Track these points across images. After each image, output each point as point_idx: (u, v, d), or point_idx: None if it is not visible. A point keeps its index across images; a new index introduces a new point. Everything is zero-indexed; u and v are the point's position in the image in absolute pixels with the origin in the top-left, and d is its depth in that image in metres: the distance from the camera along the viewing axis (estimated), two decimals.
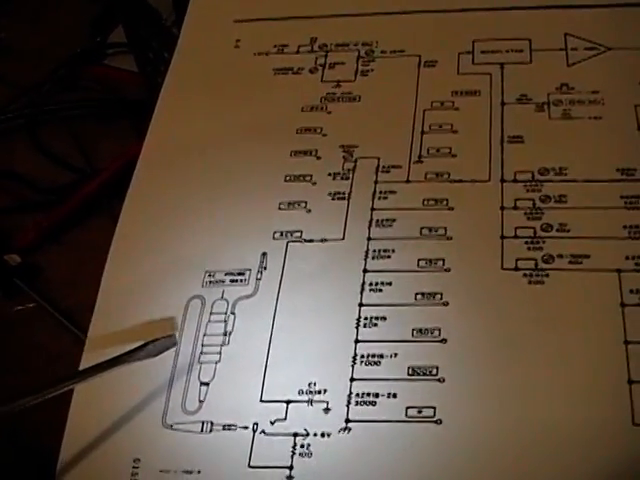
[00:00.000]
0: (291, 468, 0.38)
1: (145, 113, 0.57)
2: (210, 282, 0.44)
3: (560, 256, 0.41)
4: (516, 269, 0.41)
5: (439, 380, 0.39)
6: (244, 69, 0.52)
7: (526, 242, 0.42)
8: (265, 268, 0.44)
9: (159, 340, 0.42)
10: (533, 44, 0.50)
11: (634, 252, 0.41)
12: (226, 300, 0.43)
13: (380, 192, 0.45)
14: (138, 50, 0.62)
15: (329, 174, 0.46)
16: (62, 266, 0.55)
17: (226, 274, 0.44)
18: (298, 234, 0.44)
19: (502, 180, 0.44)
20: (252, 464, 0.39)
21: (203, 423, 0.40)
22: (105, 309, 0.44)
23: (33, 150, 0.62)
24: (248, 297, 0.43)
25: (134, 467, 0.40)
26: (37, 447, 0.45)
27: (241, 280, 0.43)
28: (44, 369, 0.49)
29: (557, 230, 0.42)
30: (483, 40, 0.51)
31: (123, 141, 0.60)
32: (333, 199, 0.45)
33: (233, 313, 0.43)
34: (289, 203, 0.46)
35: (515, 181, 0.44)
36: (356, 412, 0.39)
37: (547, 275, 0.41)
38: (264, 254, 0.44)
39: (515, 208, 0.43)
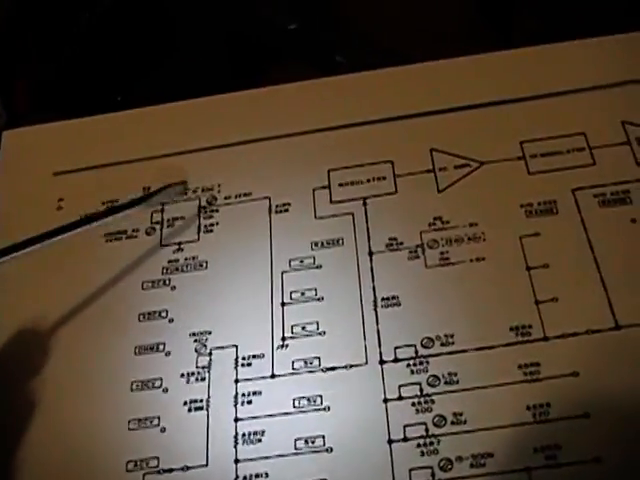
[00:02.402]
0: None
1: None
2: None
3: (459, 459, 0.35)
4: None
5: None
6: (71, 237, 0.43)
7: (418, 445, 0.36)
8: None
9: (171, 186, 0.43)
10: (396, 168, 0.42)
11: (542, 442, 0.35)
12: None
13: (243, 395, 0.38)
14: None
15: (182, 375, 0.39)
16: None
17: None
18: (155, 462, 0.37)
19: (381, 361, 0.38)
20: None
21: None
22: None
23: None
24: None
25: None
26: None
27: None
28: None
29: (452, 422, 0.36)
30: (339, 169, 0.43)
31: None
32: (190, 410, 0.38)
33: None
34: (139, 420, 0.38)
35: (396, 360, 0.37)
36: None
37: None
38: None
39: (400, 398, 0.37)
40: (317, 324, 0.39)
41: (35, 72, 0.58)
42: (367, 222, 0.41)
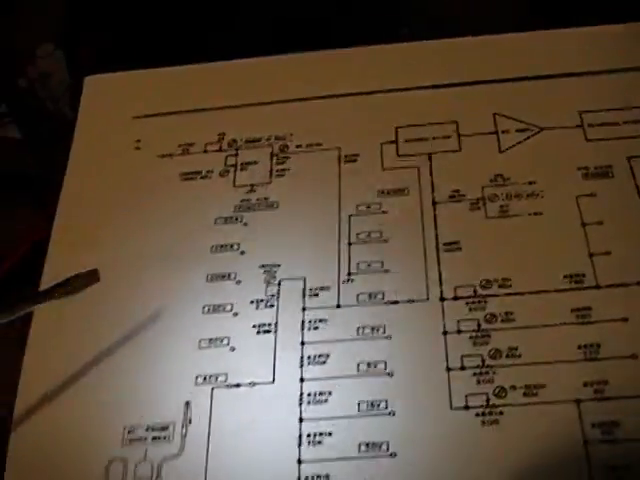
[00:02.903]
0: None
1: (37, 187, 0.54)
2: (131, 440, 0.39)
3: (513, 387, 0.37)
4: (466, 407, 0.37)
5: None
6: (148, 175, 0.47)
7: (475, 374, 0.38)
8: (190, 421, 0.39)
9: (81, 275, 0.39)
10: (461, 128, 0.45)
11: (592, 377, 0.37)
12: (150, 462, 0.38)
13: (309, 321, 0.40)
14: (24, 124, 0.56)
15: (251, 302, 0.42)
16: None
17: (147, 429, 0.39)
18: (223, 378, 0.40)
19: (442, 298, 0.40)
20: None
21: None
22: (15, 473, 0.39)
23: None
24: (174, 457, 0.38)
25: None
26: None
27: (165, 437, 0.39)
28: None
29: (507, 356, 0.39)
30: (407, 126, 0.46)
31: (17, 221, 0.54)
32: (258, 332, 0.41)
33: (159, 476, 0.37)
34: (210, 340, 0.41)
35: (456, 298, 0.40)
36: None
37: (501, 413, 0.37)
38: (187, 404, 0.39)
39: (459, 332, 0.39)
40: (382, 263, 0.42)
41: (98, 39, 0.61)
42: (431, 175, 0.44)
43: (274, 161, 0.46)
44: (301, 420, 0.38)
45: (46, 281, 0.43)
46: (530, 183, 0.43)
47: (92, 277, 0.39)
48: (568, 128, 0.45)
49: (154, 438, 0.39)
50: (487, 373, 0.38)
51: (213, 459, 0.38)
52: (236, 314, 0.41)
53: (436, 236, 0.42)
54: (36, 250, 0.50)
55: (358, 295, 0.41)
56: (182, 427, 0.39)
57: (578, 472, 0.36)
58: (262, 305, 0.42)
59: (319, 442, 0.38)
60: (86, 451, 0.40)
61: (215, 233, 0.44)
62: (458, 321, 0.40)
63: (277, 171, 0.46)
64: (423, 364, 0.39)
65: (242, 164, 0.46)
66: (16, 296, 0.38)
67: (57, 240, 0.45)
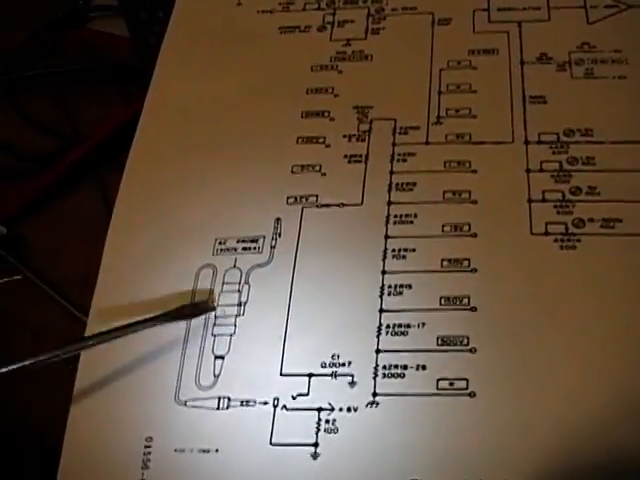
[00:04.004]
0: (316, 445, 0.37)
1: (132, 78, 0.56)
2: (221, 250, 0.42)
3: (591, 220, 0.40)
4: (546, 234, 0.39)
5: (470, 351, 0.37)
6: (247, 28, 0.49)
7: (555, 206, 0.40)
8: (280, 235, 0.41)
9: (198, 304, 0.40)
10: (551, 1, 0.47)
11: None
12: (239, 269, 0.41)
13: (399, 154, 0.43)
14: (129, 10, 0.58)
15: (344, 136, 0.44)
16: (47, 237, 0.52)
17: (238, 241, 0.42)
18: (313, 199, 0.42)
19: (526, 142, 0.42)
20: (274, 441, 0.36)
21: (219, 399, 0.38)
22: (109, 281, 0.42)
23: (15, 117, 0.59)
24: (262, 265, 0.41)
25: (146, 446, 0.38)
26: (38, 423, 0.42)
27: (254, 248, 0.41)
28: (29, 344, 0.46)
29: (587, 193, 0.40)
30: None
31: (109, 107, 0.57)
32: (349, 162, 0.43)
33: (247, 282, 0.40)
34: (302, 166, 0.43)
35: (540, 142, 0.42)
36: (383, 385, 0.37)
37: (579, 240, 0.39)
38: (278, 220, 0.42)
39: (541, 171, 0.41)
40: (469, 110, 0.44)
41: None
42: (521, 39, 0.46)
43: (370, 20, 0.48)
44: (387, 237, 0.40)
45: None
46: (615, 51, 0.45)
47: (207, 306, 0.41)
48: None
49: (244, 249, 0.42)
50: (567, 206, 0.40)
51: (300, 269, 0.41)
52: (328, 145, 0.44)
53: (523, 90, 0.44)
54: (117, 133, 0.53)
55: (447, 135, 0.43)
56: (272, 239, 0.41)
57: None
58: (354, 139, 0.44)
59: (403, 257, 0.40)
60: (178, 259, 0.42)
61: (311, 78, 0.47)
62: (541, 162, 0.42)
63: (372, 30, 0.48)
64: (506, 195, 0.41)
65: (339, 22, 0.49)
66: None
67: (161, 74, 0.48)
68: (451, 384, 0.36)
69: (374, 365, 0.37)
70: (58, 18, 0.65)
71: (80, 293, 0.45)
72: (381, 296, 0.39)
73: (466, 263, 0.39)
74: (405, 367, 0.37)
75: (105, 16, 0.65)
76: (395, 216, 0.41)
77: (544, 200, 0.40)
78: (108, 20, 0.64)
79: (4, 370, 0.36)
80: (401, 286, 0.39)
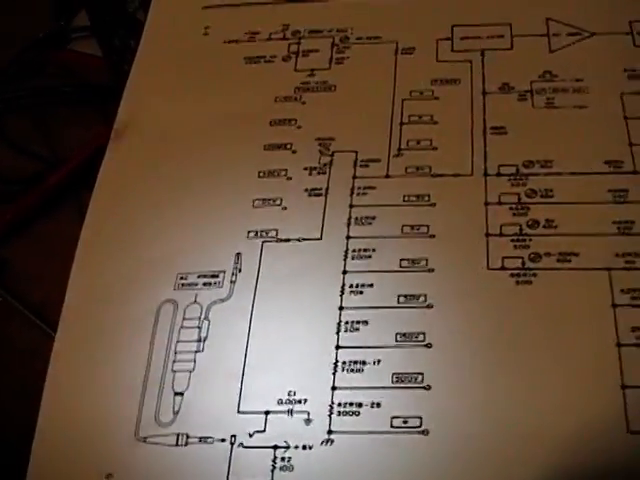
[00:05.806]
0: None
1: (111, 99, 0.54)
2: (182, 285, 0.42)
3: (548, 254, 0.40)
4: (502, 269, 0.40)
5: (425, 387, 0.37)
6: (214, 58, 0.50)
7: (512, 240, 0.40)
8: (240, 270, 0.41)
9: None
10: (514, 29, 0.48)
11: (624, 249, 0.39)
12: (199, 304, 0.41)
13: (359, 188, 0.43)
14: (102, 36, 0.59)
15: (305, 168, 0.44)
16: (28, 259, 0.53)
17: (199, 276, 0.42)
18: (274, 233, 0.42)
19: (485, 174, 0.43)
20: (230, 479, 0.36)
21: (178, 436, 0.38)
22: (73, 315, 0.42)
23: None
24: (222, 301, 0.41)
25: None
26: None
27: (215, 283, 0.41)
28: (14, 365, 0.46)
29: (544, 227, 0.41)
30: (462, 25, 0.48)
31: (89, 128, 0.57)
32: (310, 195, 0.43)
33: (207, 318, 0.41)
34: (264, 200, 0.43)
35: (499, 175, 0.42)
36: (339, 423, 0.37)
37: (535, 275, 0.39)
38: (238, 255, 0.42)
39: (500, 203, 0.42)
40: (430, 141, 0.44)
41: None
42: (483, 68, 0.47)
43: (334, 50, 0.49)
44: (345, 272, 0.41)
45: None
46: (577, 80, 0.45)
47: None
48: (618, 34, 0.47)
49: (205, 284, 0.42)
50: (524, 240, 0.40)
51: (259, 305, 0.41)
52: (290, 178, 0.44)
53: (484, 120, 0.44)
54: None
55: (407, 168, 0.44)
56: (232, 274, 0.42)
57: (605, 332, 0.37)
58: (315, 172, 0.44)
59: (360, 292, 0.40)
60: (139, 294, 0.42)
61: (275, 109, 0.47)
62: (499, 194, 0.42)
63: (337, 59, 0.48)
64: (464, 229, 0.41)
65: (304, 51, 0.49)
66: None
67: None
68: (405, 422, 0.37)
69: (330, 402, 0.38)
70: (40, 39, 0.65)
71: None
72: (338, 332, 0.39)
73: (422, 299, 0.39)
74: (360, 405, 0.37)
75: (86, 37, 0.65)
76: (354, 250, 0.41)
77: (501, 234, 0.40)
78: (89, 41, 0.64)
79: None
80: (358, 322, 0.39)
